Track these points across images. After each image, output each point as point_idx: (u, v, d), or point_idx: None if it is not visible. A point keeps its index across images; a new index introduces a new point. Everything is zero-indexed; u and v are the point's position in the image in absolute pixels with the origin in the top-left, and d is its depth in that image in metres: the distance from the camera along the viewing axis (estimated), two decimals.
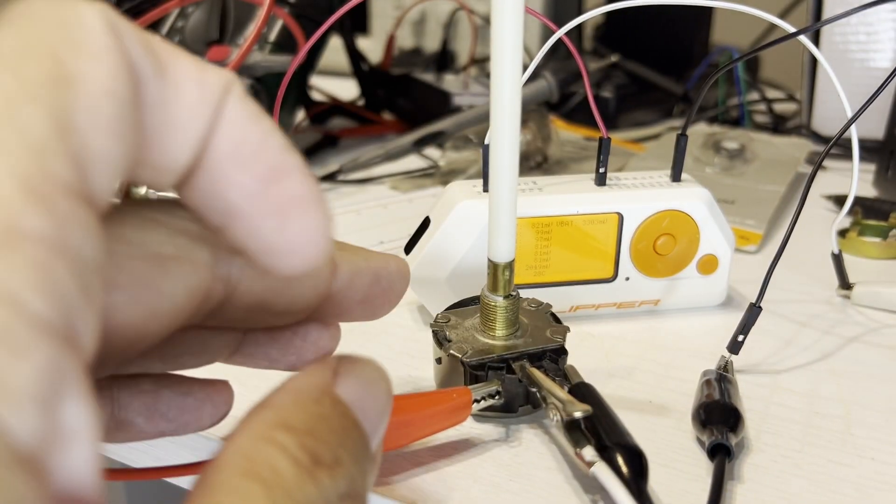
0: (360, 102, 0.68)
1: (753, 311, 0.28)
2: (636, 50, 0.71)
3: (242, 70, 0.48)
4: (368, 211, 0.46)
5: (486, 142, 0.27)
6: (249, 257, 0.16)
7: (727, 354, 0.28)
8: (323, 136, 0.62)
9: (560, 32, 0.30)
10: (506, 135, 0.22)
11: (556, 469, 0.23)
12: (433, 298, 0.31)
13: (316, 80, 0.67)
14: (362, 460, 0.15)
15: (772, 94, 0.71)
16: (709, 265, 0.33)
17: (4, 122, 0.11)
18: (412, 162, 0.56)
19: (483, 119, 0.55)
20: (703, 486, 0.22)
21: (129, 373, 0.20)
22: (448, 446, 0.24)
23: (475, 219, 0.30)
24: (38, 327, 0.10)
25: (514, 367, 0.25)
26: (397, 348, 0.30)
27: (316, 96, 0.68)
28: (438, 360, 0.27)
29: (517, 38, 0.21)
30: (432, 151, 0.58)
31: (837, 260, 0.35)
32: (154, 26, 0.53)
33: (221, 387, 0.22)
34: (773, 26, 0.64)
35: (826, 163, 0.56)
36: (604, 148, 0.32)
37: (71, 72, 0.12)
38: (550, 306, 0.28)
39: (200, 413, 0.21)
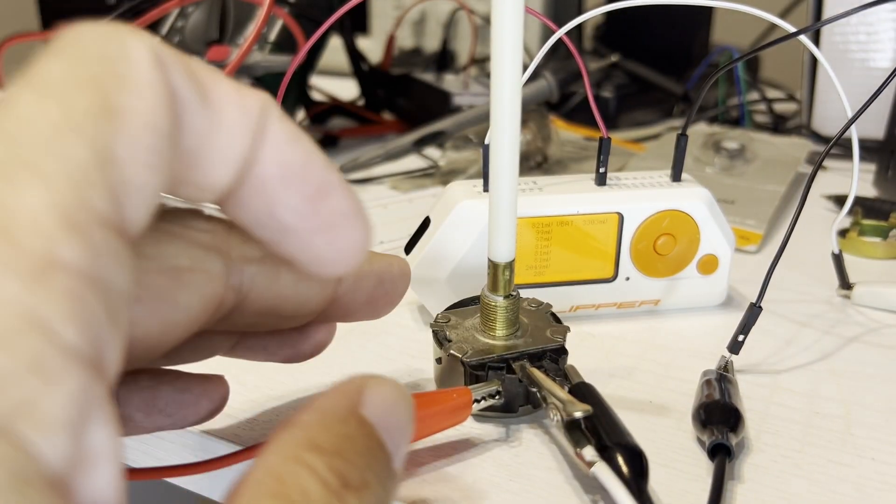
0: (360, 102, 0.68)
1: (754, 311, 0.28)
2: (636, 50, 0.71)
3: (242, 70, 0.48)
4: (369, 211, 0.46)
5: (486, 142, 0.27)
6: (294, 265, 0.17)
7: (727, 354, 0.28)
8: (323, 136, 0.62)
9: (560, 32, 0.30)
10: (506, 135, 0.22)
11: (556, 469, 0.23)
12: (433, 298, 0.31)
13: (316, 80, 0.67)
14: (387, 481, 0.15)
15: (772, 93, 0.71)
16: (709, 265, 0.33)
17: (48, 152, 0.12)
18: (412, 162, 0.56)
19: (483, 119, 0.55)
20: (704, 486, 0.22)
21: (129, 369, 0.20)
22: (448, 446, 0.24)
23: (475, 219, 0.30)
24: (69, 356, 0.11)
25: (514, 367, 0.25)
26: (397, 348, 0.30)
27: (316, 96, 0.68)
28: (438, 360, 0.27)
29: (517, 38, 0.21)
30: (432, 151, 0.58)
31: (838, 260, 0.35)
32: (154, 26, 0.53)
33: (217, 381, 0.22)
34: (773, 26, 0.64)
35: (826, 163, 0.56)
36: (604, 148, 0.32)
37: (114, 104, 0.13)
38: (550, 306, 0.28)
39: (197, 408, 0.22)
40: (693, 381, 0.27)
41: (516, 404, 0.26)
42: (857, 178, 0.32)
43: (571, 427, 0.23)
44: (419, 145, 0.55)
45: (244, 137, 0.15)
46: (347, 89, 0.72)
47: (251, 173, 0.15)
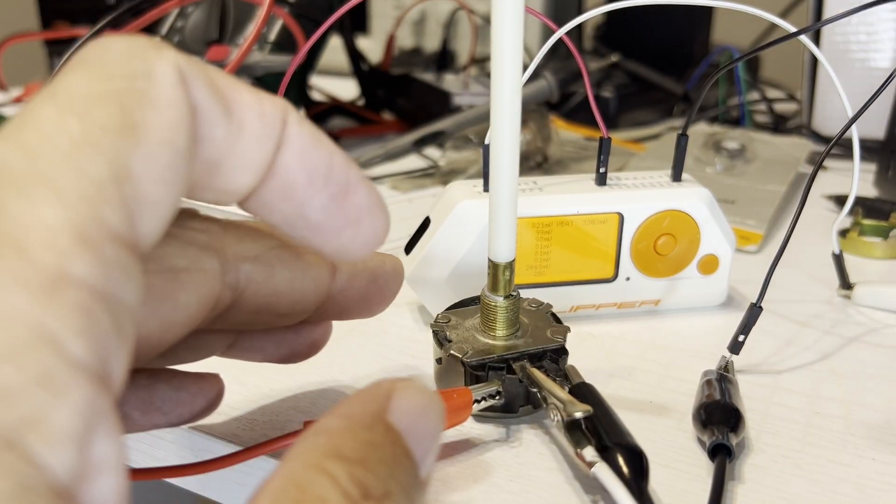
0: (360, 102, 0.68)
1: (754, 311, 0.28)
2: (636, 50, 0.71)
3: (242, 70, 0.48)
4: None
5: (486, 142, 0.27)
6: (317, 251, 0.18)
7: (728, 354, 0.28)
8: None
9: (560, 32, 0.30)
10: (506, 135, 0.22)
11: (556, 469, 0.23)
12: (433, 298, 0.31)
13: (316, 80, 0.67)
14: (411, 490, 0.15)
15: (772, 93, 0.71)
16: (709, 265, 0.33)
17: (65, 167, 0.12)
18: (412, 162, 0.56)
19: (483, 119, 0.55)
20: (704, 487, 0.22)
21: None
22: (448, 446, 0.24)
23: (475, 219, 0.30)
24: (76, 370, 0.11)
25: (514, 367, 0.25)
26: (397, 348, 0.30)
27: (316, 96, 0.68)
28: (439, 361, 0.27)
29: (517, 38, 0.21)
30: (432, 151, 0.58)
31: (838, 260, 0.35)
32: (154, 26, 0.53)
33: (212, 379, 0.22)
34: (773, 26, 0.64)
35: (827, 163, 0.56)
36: (604, 148, 0.32)
37: (135, 121, 0.13)
38: (551, 306, 0.28)
39: (193, 405, 0.22)
40: (693, 382, 0.27)
41: (516, 405, 0.25)
42: (858, 178, 0.32)
43: (572, 427, 0.23)
44: (419, 145, 0.55)
45: (265, 145, 0.15)
46: (347, 89, 0.72)
47: (278, 179, 0.16)
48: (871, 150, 0.51)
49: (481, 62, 0.74)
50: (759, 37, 0.75)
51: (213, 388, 0.22)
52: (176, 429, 0.25)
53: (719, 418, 0.24)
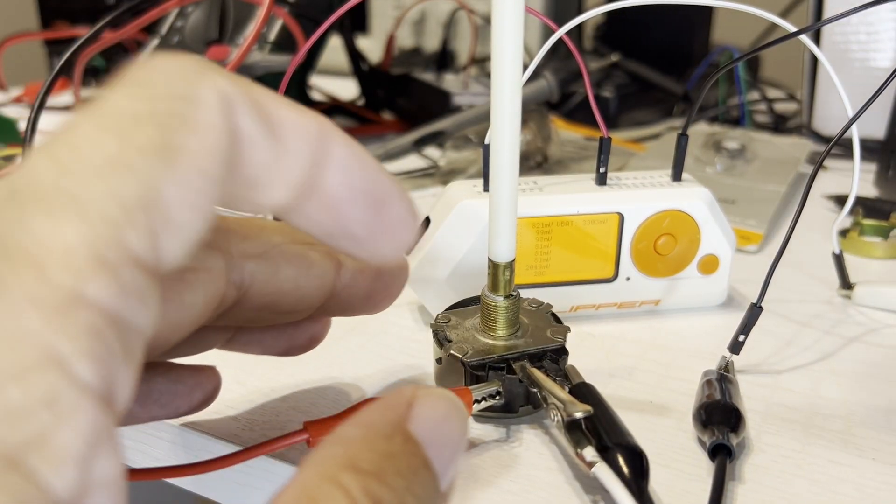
0: (360, 102, 0.68)
1: (754, 311, 0.28)
2: (636, 50, 0.71)
3: (242, 70, 0.48)
4: None
5: (486, 141, 0.27)
6: (347, 254, 0.18)
7: (728, 354, 0.28)
8: None
9: (560, 32, 0.30)
10: (506, 134, 0.22)
11: (556, 469, 0.23)
12: (433, 298, 0.31)
13: (316, 80, 0.67)
14: (429, 502, 0.14)
15: (772, 93, 0.71)
16: (709, 265, 0.33)
17: (95, 185, 0.12)
18: (412, 162, 0.56)
19: (483, 119, 0.55)
20: (704, 487, 0.22)
21: None
22: None
23: (475, 219, 0.30)
24: (82, 392, 0.11)
25: (514, 367, 0.25)
26: (397, 348, 0.30)
27: (316, 96, 0.68)
28: (439, 361, 0.27)
29: (517, 38, 0.21)
30: (432, 151, 0.58)
31: (838, 260, 0.35)
32: (154, 26, 0.53)
33: (209, 372, 0.23)
34: (773, 26, 0.64)
35: (827, 162, 0.56)
36: (604, 148, 0.32)
37: (172, 144, 0.13)
38: (551, 306, 0.28)
39: (190, 398, 0.22)
40: (693, 382, 0.27)
41: (517, 405, 0.25)
42: (858, 178, 0.32)
43: (572, 427, 0.23)
44: (419, 145, 0.55)
45: (306, 164, 0.16)
46: (347, 89, 0.72)
47: (319, 194, 0.16)
48: (871, 150, 0.51)
49: (481, 62, 0.74)
50: (759, 37, 0.75)
51: (210, 380, 0.22)
52: (175, 429, 0.25)
53: (719, 418, 0.24)
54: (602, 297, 0.33)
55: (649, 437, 0.25)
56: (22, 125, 0.51)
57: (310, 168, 0.16)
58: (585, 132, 0.62)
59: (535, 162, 0.53)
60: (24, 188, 0.12)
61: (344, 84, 0.75)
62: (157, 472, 0.23)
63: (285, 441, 0.22)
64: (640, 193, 0.32)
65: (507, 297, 0.25)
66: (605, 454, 0.21)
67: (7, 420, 0.10)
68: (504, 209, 0.23)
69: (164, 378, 0.21)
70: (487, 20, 0.67)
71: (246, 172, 0.15)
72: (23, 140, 0.37)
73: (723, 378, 0.26)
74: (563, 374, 0.25)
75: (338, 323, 0.25)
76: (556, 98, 0.59)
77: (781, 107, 0.69)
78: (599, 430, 0.22)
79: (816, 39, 0.58)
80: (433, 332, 0.27)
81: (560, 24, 0.30)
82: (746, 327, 0.28)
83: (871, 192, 0.49)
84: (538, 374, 0.24)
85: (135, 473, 0.22)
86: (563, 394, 0.23)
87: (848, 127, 0.29)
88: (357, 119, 0.68)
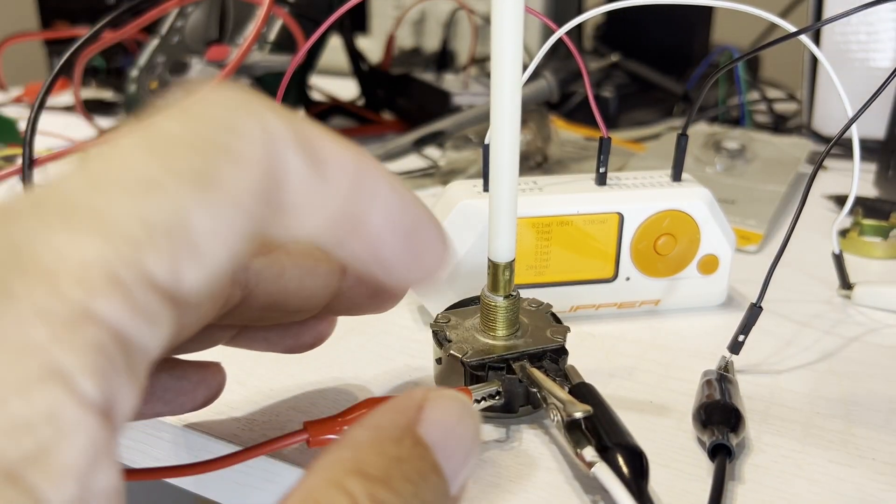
0: (360, 102, 0.68)
1: (754, 311, 0.28)
2: (636, 50, 0.71)
3: (242, 70, 0.48)
4: None
5: (486, 141, 0.27)
6: (377, 281, 0.18)
7: (728, 354, 0.28)
8: None
9: (560, 32, 0.30)
10: (506, 134, 0.22)
11: (556, 469, 0.23)
12: (433, 298, 0.31)
13: (316, 80, 0.67)
14: None
15: (772, 93, 0.71)
16: (709, 265, 0.33)
17: (123, 204, 0.12)
18: (412, 162, 0.56)
19: (483, 119, 0.55)
20: (704, 487, 0.22)
21: None
22: None
23: (475, 219, 0.30)
24: (84, 407, 0.11)
25: (514, 367, 0.25)
26: (397, 348, 0.30)
27: (316, 96, 0.68)
28: (438, 361, 0.27)
29: (517, 38, 0.21)
30: (432, 151, 0.58)
31: (838, 260, 0.35)
32: (154, 26, 0.53)
33: (214, 369, 0.23)
34: (773, 26, 0.64)
35: (827, 162, 0.56)
36: (604, 148, 0.32)
37: (210, 173, 0.13)
38: (551, 306, 0.28)
39: (195, 395, 0.22)
40: (693, 382, 0.27)
41: (516, 405, 0.25)
42: (858, 178, 0.32)
43: (572, 427, 0.23)
44: (419, 145, 0.55)
45: (345, 199, 0.16)
46: (347, 89, 0.72)
47: (355, 225, 0.16)
48: (871, 150, 0.51)
49: (481, 62, 0.74)
50: (759, 37, 0.75)
51: (214, 377, 0.22)
52: (175, 429, 0.25)
53: (719, 418, 0.24)
54: (602, 297, 0.33)
55: (649, 437, 0.25)
56: (22, 125, 0.51)
57: (349, 203, 0.16)
58: (585, 132, 0.62)
59: (535, 162, 0.53)
60: (51, 198, 0.12)
61: (344, 84, 0.75)
62: (157, 472, 0.23)
63: (285, 441, 0.22)
64: (640, 193, 0.32)
65: (506, 297, 0.25)
66: (605, 454, 0.21)
67: (8, 434, 0.10)
68: (504, 209, 0.23)
69: (168, 375, 0.21)
70: (487, 20, 0.67)
71: (285, 205, 0.15)
72: (23, 140, 0.37)
73: (722, 378, 0.26)
74: (563, 374, 0.25)
75: (338, 323, 0.25)
76: (556, 98, 0.59)
77: (781, 107, 0.69)
78: (599, 430, 0.22)
79: (816, 39, 0.58)
80: (433, 332, 0.27)
81: (560, 24, 0.30)
82: (746, 327, 0.28)
83: (870, 192, 0.49)
84: (538, 374, 0.24)
85: (135, 473, 0.22)
86: (563, 394, 0.23)
87: (848, 127, 0.29)
88: (357, 119, 0.68)
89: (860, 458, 0.24)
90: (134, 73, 0.53)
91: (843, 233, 0.42)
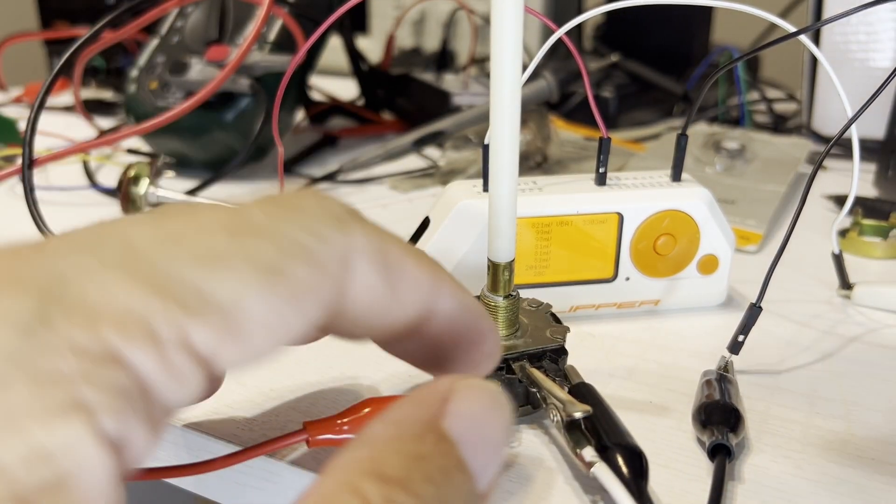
0: (360, 102, 0.68)
1: (754, 311, 0.28)
2: (636, 50, 0.71)
3: (242, 70, 0.48)
4: (368, 211, 0.46)
5: (485, 142, 0.27)
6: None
7: (727, 354, 0.28)
8: (323, 136, 0.62)
9: (560, 32, 0.30)
10: (506, 134, 0.22)
11: (556, 469, 0.23)
12: None
13: (315, 80, 0.67)
14: None
15: (772, 93, 0.71)
16: (709, 265, 0.33)
17: (186, 270, 0.13)
18: (412, 162, 0.56)
19: (483, 119, 0.55)
20: (704, 487, 0.22)
21: None
22: None
23: (475, 219, 0.30)
24: (102, 443, 0.11)
25: (513, 367, 0.25)
26: None
27: (315, 96, 0.68)
28: None
29: (517, 38, 0.21)
30: (432, 151, 0.58)
31: (838, 260, 0.35)
32: (154, 26, 0.53)
33: None
34: (773, 26, 0.64)
35: (826, 163, 0.56)
36: (604, 148, 0.32)
37: (282, 269, 0.14)
38: (550, 306, 0.28)
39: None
40: (693, 382, 0.27)
41: (516, 405, 0.25)
42: (858, 178, 0.32)
43: (571, 427, 0.23)
44: (419, 145, 0.55)
45: (413, 314, 0.17)
46: (347, 89, 0.72)
47: (421, 335, 0.17)
48: (870, 150, 0.51)
49: (481, 62, 0.74)
50: (759, 37, 0.75)
51: None
52: (175, 429, 0.25)
53: (719, 418, 0.24)
54: (602, 297, 0.33)
55: (649, 437, 0.25)
56: (22, 125, 0.51)
57: (416, 316, 0.17)
58: (585, 132, 0.62)
59: (534, 162, 0.53)
60: (115, 240, 0.13)
61: (344, 84, 0.75)
62: (157, 472, 0.23)
63: (285, 441, 0.22)
64: (640, 193, 0.32)
65: (506, 297, 0.25)
66: (605, 454, 0.21)
67: (27, 462, 0.10)
68: (504, 209, 0.23)
69: None
70: (487, 20, 0.67)
71: (345, 311, 0.15)
72: (23, 140, 0.37)
73: (722, 378, 0.26)
74: (563, 374, 0.25)
75: None
76: (556, 98, 0.59)
77: (781, 107, 0.69)
78: (599, 430, 0.22)
79: (816, 39, 0.58)
80: None
81: (560, 24, 0.30)
82: (746, 327, 0.28)
83: (870, 192, 0.49)
84: (537, 374, 0.24)
85: (136, 473, 0.22)
86: (563, 394, 0.23)
87: (847, 127, 0.29)
88: (357, 119, 0.68)
89: (860, 458, 0.24)
90: (134, 73, 0.53)
91: (843, 233, 0.42)
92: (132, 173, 0.44)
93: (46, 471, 0.10)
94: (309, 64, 0.58)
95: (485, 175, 0.31)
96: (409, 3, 0.85)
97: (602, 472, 0.21)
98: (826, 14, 0.55)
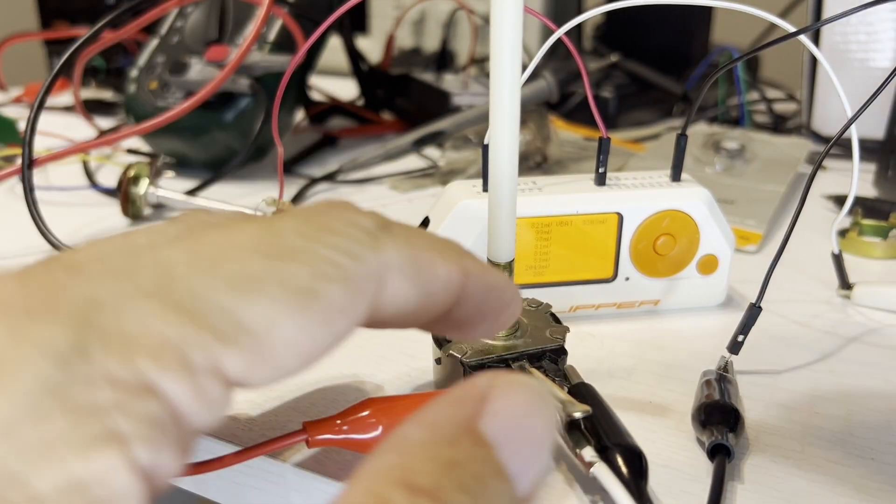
0: (360, 102, 0.68)
1: (753, 311, 0.28)
2: (636, 50, 0.71)
3: (241, 70, 0.48)
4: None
5: (485, 142, 0.27)
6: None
7: (727, 354, 0.28)
8: (322, 136, 0.62)
9: (560, 32, 0.30)
10: (505, 135, 0.22)
11: (555, 469, 0.23)
12: None
13: (315, 80, 0.67)
14: None
15: (772, 93, 0.71)
16: (709, 265, 0.33)
17: (224, 298, 0.13)
18: (412, 162, 0.56)
19: (483, 119, 0.55)
20: (703, 487, 0.22)
21: None
22: None
23: (475, 219, 0.30)
24: (135, 472, 0.11)
25: (513, 367, 0.25)
26: (397, 348, 0.30)
27: (315, 96, 0.68)
28: (438, 361, 0.27)
29: (517, 38, 0.21)
30: (432, 151, 0.58)
31: (837, 260, 0.35)
32: (154, 26, 0.53)
33: None
34: (773, 26, 0.64)
35: (826, 163, 0.56)
36: (603, 148, 0.32)
37: (316, 291, 0.14)
38: (550, 306, 0.28)
39: None
40: (693, 382, 0.27)
41: None
42: (857, 178, 0.32)
43: (571, 427, 0.23)
44: (419, 145, 0.55)
45: (444, 309, 0.17)
46: (347, 89, 0.72)
47: (451, 317, 0.18)
48: (870, 150, 0.51)
49: (481, 62, 0.74)
50: (759, 37, 0.75)
51: None
52: None
53: (718, 418, 0.24)
54: (601, 297, 0.33)
55: (648, 438, 0.25)
56: (22, 125, 0.51)
57: (445, 308, 0.17)
58: (585, 132, 0.62)
59: (534, 162, 0.53)
60: (151, 266, 0.13)
61: (344, 84, 0.75)
62: None
63: (284, 441, 0.22)
64: (640, 193, 0.32)
65: None
66: (604, 454, 0.21)
67: (62, 492, 0.10)
68: (503, 209, 0.23)
69: None
70: (487, 20, 0.67)
71: (382, 318, 0.16)
72: (22, 140, 0.37)
73: (722, 378, 0.26)
74: (562, 375, 0.25)
75: None
76: (556, 98, 0.59)
77: (781, 107, 0.69)
78: (598, 431, 0.22)
79: (816, 39, 0.58)
80: None
81: (560, 24, 0.30)
82: (746, 327, 0.28)
83: (870, 192, 0.49)
84: (537, 375, 0.24)
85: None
86: (562, 394, 0.23)
87: (847, 127, 0.29)
88: (357, 119, 0.68)
89: (860, 458, 0.24)
90: (134, 73, 0.53)
91: (843, 233, 0.42)
92: (132, 173, 0.44)
93: (81, 500, 0.11)
94: (309, 64, 0.58)
95: (484, 175, 0.31)
96: (409, 3, 0.85)
97: (602, 472, 0.21)
98: (826, 14, 0.55)
